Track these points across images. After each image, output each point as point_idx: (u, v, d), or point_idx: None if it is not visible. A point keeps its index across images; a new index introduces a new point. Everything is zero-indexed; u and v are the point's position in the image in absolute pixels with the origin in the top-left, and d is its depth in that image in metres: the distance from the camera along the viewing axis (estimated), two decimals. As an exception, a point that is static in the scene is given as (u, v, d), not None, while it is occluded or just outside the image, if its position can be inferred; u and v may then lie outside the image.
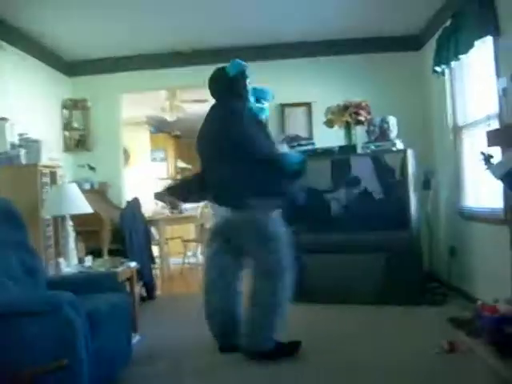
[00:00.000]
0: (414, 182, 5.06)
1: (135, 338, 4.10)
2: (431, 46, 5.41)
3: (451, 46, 4.71)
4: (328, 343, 3.92)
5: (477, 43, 4.28)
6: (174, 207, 8.45)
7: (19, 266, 3.59)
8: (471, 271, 4.91)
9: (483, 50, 4.38)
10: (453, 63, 4.86)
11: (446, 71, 5.21)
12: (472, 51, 4.46)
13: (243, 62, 3.82)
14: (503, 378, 2.98)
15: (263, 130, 3.71)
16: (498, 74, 4.01)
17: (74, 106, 6.52)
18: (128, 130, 9.37)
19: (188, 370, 3.49)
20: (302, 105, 6.32)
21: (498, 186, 4.03)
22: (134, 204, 5.97)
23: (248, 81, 3.84)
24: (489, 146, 3.74)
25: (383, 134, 5.22)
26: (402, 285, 4.84)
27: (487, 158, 3.67)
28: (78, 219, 4.56)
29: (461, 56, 4.60)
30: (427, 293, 5.10)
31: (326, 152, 5.34)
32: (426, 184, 5.19)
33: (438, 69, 5.13)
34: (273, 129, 5.67)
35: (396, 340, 3.89)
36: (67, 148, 6.47)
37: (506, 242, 3.65)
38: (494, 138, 3.64)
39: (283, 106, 6.35)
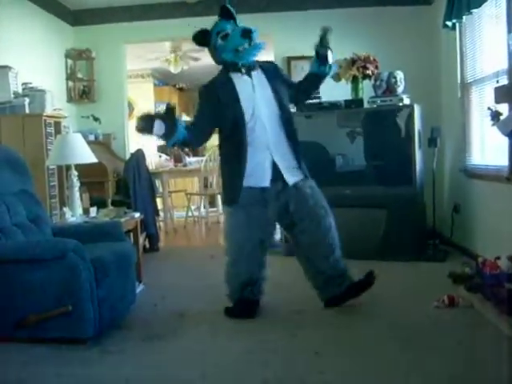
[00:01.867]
0: (420, 139, 5.02)
1: (139, 287, 4.16)
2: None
3: (464, 0, 4.61)
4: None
5: (490, -3, 4.20)
6: (177, 160, 8.46)
7: (25, 214, 3.64)
8: (474, 228, 4.93)
9: (496, 4, 4.28)
10: (464, 18, 4.76)
11: (457, 26, 5.11)
12: (484, 5, 4.36)
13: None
14: (502, 332, 3.03)
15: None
16: (510, 30, 3.93)
17: (78, 55, 6.45)
18: (132, 82, 9.34)
19: (189, 319, 3.55)
20: (308, 58, 6.19)
21: (504, 143, 4.01)
22: (138, 156, 5.96)
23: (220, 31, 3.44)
24: (496, 102, 3.70)
25: (390, 88, 5.16)
26: (405, 240, 4.86)
27: (495, 115, 3.65)
28: (83, 170, 4.56)
29: (473, 10, 4.50)
30: (429, 249, 5.14)
31: (332, 106, 5.28)
32: (432, 141, 5.15)
33: (449, 23, 5.02)
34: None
35: (397, 293, 3.94)
36: (71, 98, 6.43)
37: (509, 200, 3.65)
38: (502, 94, 3.60)
39: (290, 59, 6.26)
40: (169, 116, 3.27)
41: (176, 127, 3.26)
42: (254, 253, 3.47)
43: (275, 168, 3.43)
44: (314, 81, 3.73)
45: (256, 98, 3.40)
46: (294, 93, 3.67)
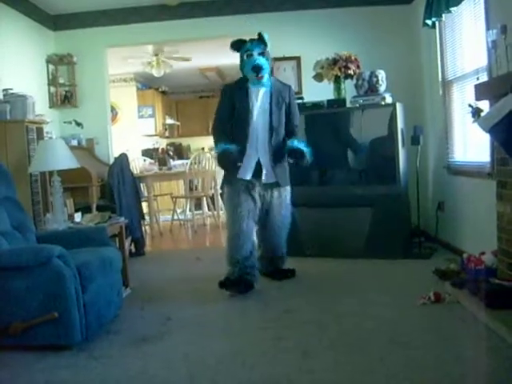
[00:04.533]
0: (403, 137, 5.06)
1: (125, 292, 4.14)
2: (422, -2, 5.33)
3: (442, -2, 4.65)
4: (315, 295, 3.99)
5: (468, -5, 4.24)
6: (162, 163, 8.43)
7: (9, 222, 3.61)
8: (458, 225, 4.97)
9: (474, 2, 4.33)
10: (444, 16, 4.80)
11: (437, 24, 5.15)
12: (463, 3, 4.41)
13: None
14: (488, 327, 3.06)
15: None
16: (488, 27, 3.97)
17: (59, 61, 6.40)
18: (115, 86, 9.30)
19: (176, 321, 3.54)
20: (291, 59, 6.24)
21: (486, 139, 4.05)
22: (122, 160, 5.93)
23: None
24: (477, 99, 3.74)
25: (372, 87, 5.19)
26: (390, 239, 4.90)
27: (475, 112, 3.69)
28: (66, 176, 4.54)
29: (452, 8, 4.54)
30: (414, 247, 5.17)
31: (315, 106, 5.31)
32: (415, 139, 5.19)
33: (428, 22, 5.06)
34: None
35: (383, 291, 3.96)
36: (53, 104, 6.38)
37: (492, 196, 3.68)
38: (482, 91, 3.64)
39: (272, 60, 6.26)
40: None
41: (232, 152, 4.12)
42: (245, 224, 4.17)
43: (259, 166, 4.21)
44: (288, 133, 4.41)
45: (257, 108, 4.20)
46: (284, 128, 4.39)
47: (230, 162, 4.11)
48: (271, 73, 4.37)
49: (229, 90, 4.37)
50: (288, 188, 4.42)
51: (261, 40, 4.18)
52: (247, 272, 4.16)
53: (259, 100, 4.22)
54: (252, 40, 4.21)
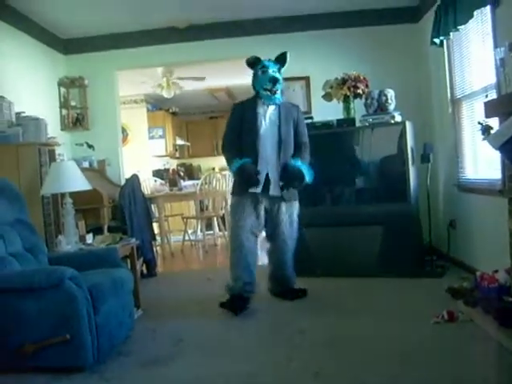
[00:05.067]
0: (413, 155, 5.06)
1: (137, 313, 4.14)
2: (430, 17, 5.35)
3: (450, 17, 4.66)
4: (327, 314, 3.96)
5: (476, 13, 4.25)
6: (173, 184, 8.46)
7: (20, 244, 3.63)
8: (470, 243, 4.94)
9: (482, 20, 4.35)
10: (451, 34, 4.83)
11: (445, 42, 5.17)
12: (470, 22, 4.43)
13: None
14: (501, 345, 3.03)
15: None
16: (496, 45, 3.98)
17: (70, 83, 6.48)
18: (126, 108, 9.38)
19: (188, 343, 3.53)
20: (300, 79, 6.28)
21: (496, 157, 4.03)
22: (134, 181, 5.96)
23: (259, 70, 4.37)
24: (487, 116, 3.73)
25: (382, 106, 5.21)
26: (402, 257, 4.87)
27: (485, 129, 3.68)
28: (78, 197, 4.56)
29: (460, 27, 4.57)
30: (427, 265, 5.13)
31: (325, 125, 5.33)
32: (424, 157, 5.18)
33: (436, 40, 5.08)
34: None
35: (396, 310, 3.93)
36: (65, 127, 6.44)
37: (504, 213, 3.66)
38: (491, 108, 3.63)
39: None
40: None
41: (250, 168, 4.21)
42: (246, 237, 4.26)
43: (267, 180, 4.27)
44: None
45: (266, 123, 4.28)
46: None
47: (250, 174, 4.16)
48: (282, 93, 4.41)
49: (239, 108, 4.45)
50: (296, 204, 4.46)
51: (280, 59, 4.35)
52: (245, 289, 4.23)
53: (268, 116, 4.30)
54: (270, 60, 4.37)
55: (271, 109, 4.31)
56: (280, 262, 4.50)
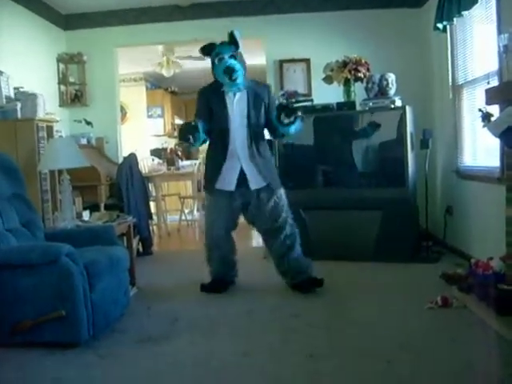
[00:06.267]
0: (412, 141, 5.05)
1: (132, 291, 4.15)
2: (434, 2, 5.29)
3: (454, 2, 4.62)
4: (322, 298, 3.98)
5: (480, -1, 4.23)
6: (170, 163, 8.44)
7: (17, 219, 3.62)
8: (467, 230, 4.95)
9: (486, 6, 4.31)
10: (455, 20, 4.79)
11: (448, 28, 5.13)
12: (474, 7, 4.39)
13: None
14: (495, 332, 3.05)
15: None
16: (500, 31, 3.95)
17: (69, 60, 6.43)
18: (125, 86, 9.32)
19: (183, 322, 3.55)
20: (300, 61, 6.24)
21: (495, 144, 4.03)
22: (131, 159, 5.95)
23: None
24: (487, 103, 3.71)
25: (382, 91, 5.19)
26: (398, 242, 4.88)
27: (485, 116, 3.66)
28: (75, 174, 4.54)
29: (464, 12, 4.53)
30: (422, 251, 5.15)
31: (325, 108, 5.31)
32: (424, 143, 5.17)
33: (439, 25, 5.04)
34: (272, 85, 5.64)
35: (390, 295, 3.95)
36: (63, 103, 6.41)
37: (501, 201, 3.66)
38: (493, 95, 3.62)
39: (282, 62, 6.27)
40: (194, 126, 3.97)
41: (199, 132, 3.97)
42: (221, 236, 4.23)
43: (242, 174, 4.06)
44: (275, 131, 4.24)
45: (233, 113, 4.05)
46: (267, 128, 4.24)
47: (186, 132, 3.96)
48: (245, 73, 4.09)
49: (205, 93, 4.21)
50: (281, 191, 4.19)
51: (231, 41, 4.01)
52: (227, 276, 4.32)
53: (235, 106, 4.06)
54: (222, 43, 4.05)
55: (238, 96, 4.06)
56: (278, 256, 4.21)
